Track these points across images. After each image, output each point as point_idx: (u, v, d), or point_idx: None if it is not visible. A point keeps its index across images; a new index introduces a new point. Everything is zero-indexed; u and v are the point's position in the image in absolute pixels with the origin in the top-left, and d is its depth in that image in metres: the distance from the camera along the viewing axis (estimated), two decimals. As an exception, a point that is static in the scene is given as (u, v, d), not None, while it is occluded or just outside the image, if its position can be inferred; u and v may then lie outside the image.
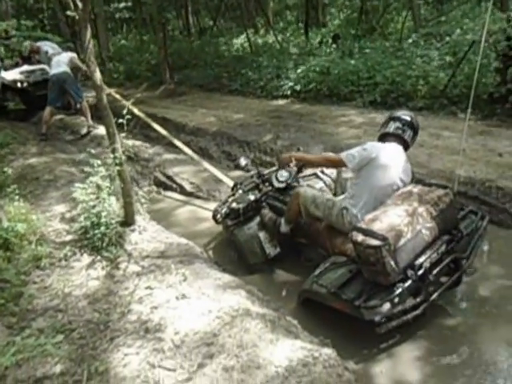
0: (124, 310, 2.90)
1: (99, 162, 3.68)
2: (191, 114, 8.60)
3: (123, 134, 3.77)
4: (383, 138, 3.50)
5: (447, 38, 8.77)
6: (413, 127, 3.43)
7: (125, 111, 3.72)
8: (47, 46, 8.06)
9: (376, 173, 3.27)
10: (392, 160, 3.30)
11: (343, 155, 3.39)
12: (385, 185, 3.26)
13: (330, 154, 3.92)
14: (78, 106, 7.61)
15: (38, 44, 8.15)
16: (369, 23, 12.09)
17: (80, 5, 3.37)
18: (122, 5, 11.59)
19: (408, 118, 3.45)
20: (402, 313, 2.83)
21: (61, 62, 7.39)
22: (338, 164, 3.56)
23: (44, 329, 2.74)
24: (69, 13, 3.46)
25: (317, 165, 4.02)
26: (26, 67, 8.94)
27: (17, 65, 8.97)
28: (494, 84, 6.53)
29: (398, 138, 3.42)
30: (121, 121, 3.66)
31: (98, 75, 3.60)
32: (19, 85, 8.62)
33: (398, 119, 3.45)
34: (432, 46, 8.66)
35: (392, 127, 3.45)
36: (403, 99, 7.44)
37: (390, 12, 13.48)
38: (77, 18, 3.40)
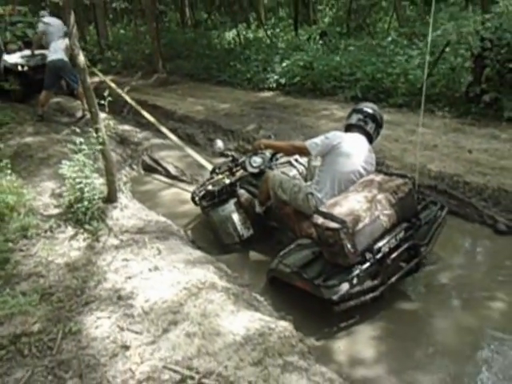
0: (100, 279, 3.00)
1: (82, 140, 3.75)
2: (180, 103, 8.63)
3: (104, 115, 3.83)
4: (348, 128, 3.57)
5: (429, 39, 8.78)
6: (375, 119, 3.49)
7: (106, 93, 3.80)
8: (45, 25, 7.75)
9: (338, 160, 3.34)
10: (354, 148, 3.38)
11: (307, 143, 3.47)
12: (347, 171, 3.34)
13: (297, 142, 3.99)
14: (75, 92, 7.61)
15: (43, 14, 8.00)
16: (356, 22, 12.10)
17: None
18: (119, -5, 11.65)
19: (370, 111, 3.50)
20: (360, 293, 2.90)
21: (57, 48, 7.35)
22: (302, 151, 3.62)
23: (26, 291, 2.84)
24: None
25: (284, 151, 4.06)
26: (27, 52, 8.96)
27: (19, 49, 9.00)
28: (466, 83, 6.61)
29: (360, 129, 3.48)
30: (102, 102, 3.74)
31: (81, 58, 3.67)
32: (20, 68, 8.65)
33: (361, 111, 3.52)
34: (414, 45, 8.70)
35: (354, 119, 3.52)
36: (383, 95, 7.48)
37: (377, 11, 13.49)
38: (61, 4, 3.45)
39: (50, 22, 7.72)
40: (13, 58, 8.72)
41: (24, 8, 5.93)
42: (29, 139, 6.17)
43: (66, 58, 7.31)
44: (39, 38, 7.74)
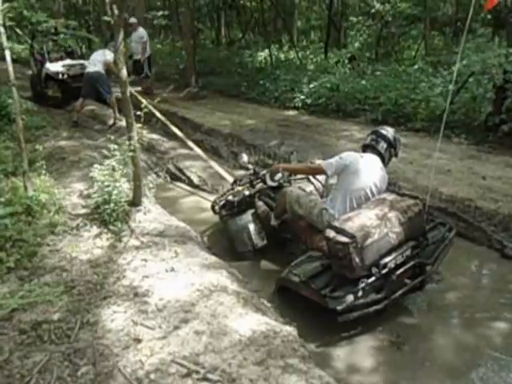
0: (119, 276, 3.11)
1: (115, 146, 3.92)
2: (208, 116, 8.79)
3: (139, 125, 4.00)
4: (364, 148, 3.69)
5: (453, 68, 8.79)
6: (387, 140, 3.59)
7: (142, 105, 3.98)
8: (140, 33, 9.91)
9: (351, 178, 3.45)
10: (366, 167, 3.47)
11: (323, 163, 3.58)
12: (358, 188, 3.43)
13: (315, 162, 4.08)
14: (108, 101, 7.89)
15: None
16: (385, 48, 12.18)
17: (116, 12, 3.64)
18: (160, 13, 12.05)
19: (383, 132, 3.62)
20: (364, 306, 2.95)
21: (96, 61, 7.67)
22: (318, 171, 3.75)
23: (50, 283, 2.98)
24: (106, 18, 3.74)
25: (301, 173, 4.19)
26: (68, 61, 9.47)
27: (61, 58, 9.45)
28: (486, 113, 6.63)
29: (373, 149, 3.60)
30: (138, 113, 3.91)
31: (124, 72, 3.84)
32: (60, 76, 9.05)
33: (375, 133, 3.65)
34: (439, 73, 8.72)
35: (369, 139, 3.66)
36: (403, 120, 7.52)
37: (406, 39, 13.56)
38: (112, 22, 3.64)
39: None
40: (55, 67, 9.17)
41: (73, 22, 6.30)
42: (63, 143, 6.43)
43: (102, 71, 7.61)
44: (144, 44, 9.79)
